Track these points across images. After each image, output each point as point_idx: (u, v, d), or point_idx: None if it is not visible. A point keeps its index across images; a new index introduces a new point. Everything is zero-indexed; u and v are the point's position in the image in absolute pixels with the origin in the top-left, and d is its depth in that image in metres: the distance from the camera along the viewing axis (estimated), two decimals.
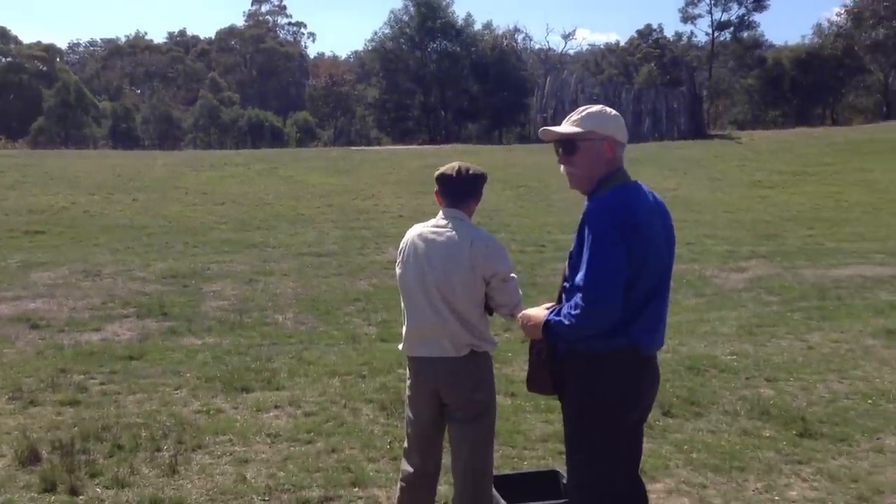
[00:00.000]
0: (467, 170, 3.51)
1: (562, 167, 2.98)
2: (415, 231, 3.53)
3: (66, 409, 5.72)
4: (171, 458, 4.76)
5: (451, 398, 3.44)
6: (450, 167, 3.53)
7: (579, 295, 2.70)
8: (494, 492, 3.56)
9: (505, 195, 19.22)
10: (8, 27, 75.17)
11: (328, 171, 23.69)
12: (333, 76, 64.67)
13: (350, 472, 4.60)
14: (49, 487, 4.39)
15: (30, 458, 4.76)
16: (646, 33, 66.40)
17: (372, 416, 5.60)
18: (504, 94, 55.58)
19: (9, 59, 71.06)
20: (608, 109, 3.02)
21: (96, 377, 6.53)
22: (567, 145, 2.95)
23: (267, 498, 4.30)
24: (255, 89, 75.96)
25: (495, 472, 3.70)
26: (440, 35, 58.14)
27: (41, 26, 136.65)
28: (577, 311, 2.70)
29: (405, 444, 3.64)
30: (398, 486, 3.66)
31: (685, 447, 4.98)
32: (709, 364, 6.86)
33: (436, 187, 3.55)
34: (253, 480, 4.51)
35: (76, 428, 5.26)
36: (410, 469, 3.58)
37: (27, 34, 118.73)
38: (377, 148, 36.01)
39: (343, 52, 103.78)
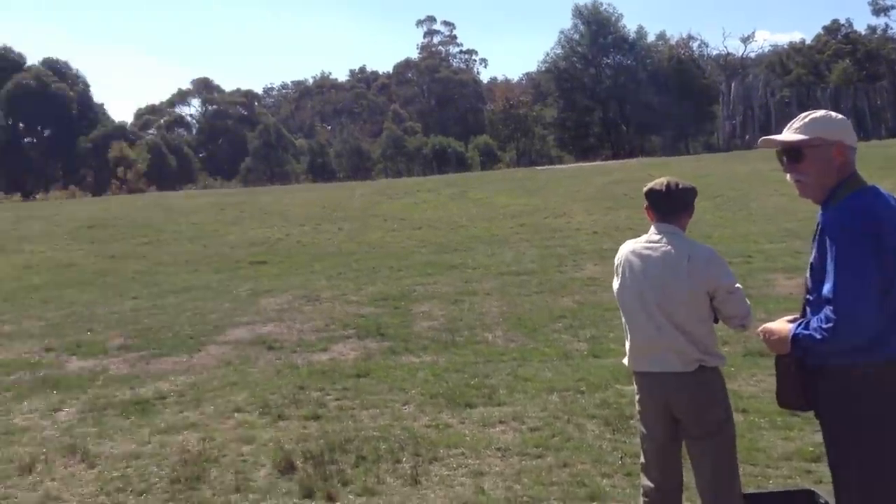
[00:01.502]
0: (677, 184, 3.51)
1: (788, 176, 2.92)
2: (628, 248, 3.55)
3: (311, 423, 6.19)
4: (411, 470, 5.04)
5: (683, 415, 3.41)
6: (659, 182, 3.54)
7: (829, 308, 2.62)
8: None
9: (702, 206, 18.55)
10: (210, 77, 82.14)
11: (516, 192, 24.00)
12: (509, 99, 65.46)
13: (585, 486, 4.67)
14: (308, 494, 4.79)
15: (286, 467, 5.21)
16: (834, 29, 62.18)
17: (597, 431, 5.65)
18: (686, 104, 54.00)
19: (215, 107, 77.71)
20: (833, 114, 2.93)
21: (331, 393, 7.01)
22: (792, 153, 2.87)
23: None
24: (434, 117, 78.33)
25: (744, 491, 3.63)
26: (613, 50, 57.55)
27: (239, 74, 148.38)
28: (829, 325, 2.62)
29: (642, 459, 3.62)
30: (640, 501, 3.67)
31: None
32: None
33: (645, 203, 3.56)
34: (491, 492, 4.69)
35: (322, 440, 5.67)
36: (651, 484, 3.56)
37: (227, 83, 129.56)
38: (561, 166, 36.06)
39: (515, 75, 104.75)
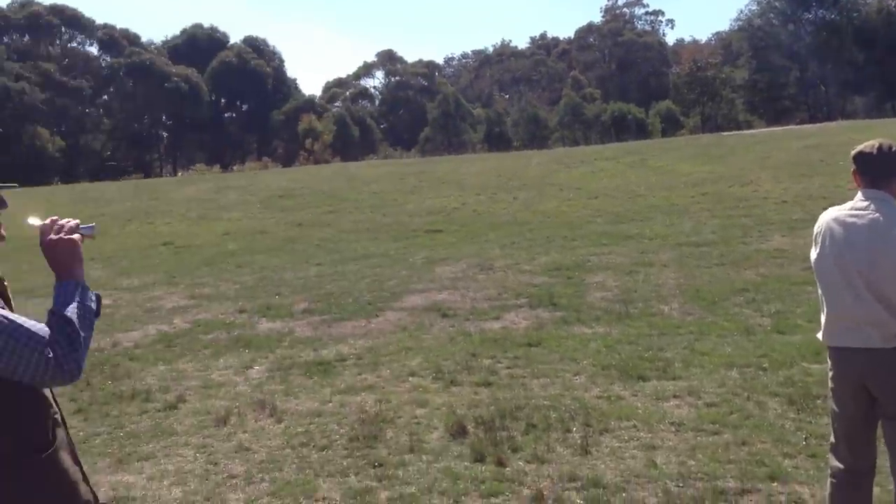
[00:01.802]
0: (890, 147, 3.23)
1: None
2: (830, 215, 3.34)
3: (482, 390, 6.30)
4: (581, 440, 5.02)
5: (881, 393, 3.19)
6: (869, 145, 3.28)
7: None
8: None
9: None
10: (394, 49, 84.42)
11: (699, 159, 23.03)
12: (696, 61, 62.56)
13: (765, 465, 4.47)
14: (478, 458, 4.88)
15: (458, 431, 5.33)
16: None
17: (780, 410, 5.37)
18: (894, 61, 49.42)
19: (397, 78, 79.88)
20: None
21: (502, 361, 7.09)
22: None
23: (681, 484, 4.34)
24: (614, 83, 76.41)
25: None
26: (815, 4, 53.47)
27: (421, 45, 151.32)
28: None
29: (832, 439, 3.45)
30: (828, 482, 3.48)
31: None
32: None
33: (852, 167, 3.31)
34: (664, 466, 4.59)
35: (493, 407, 5.75)
36: (840, 465, 3.38)
37: (410, 54, 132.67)
38: (751, 131, 34.18)
39: (704, 36, 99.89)
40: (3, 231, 2.10)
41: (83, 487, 2.04)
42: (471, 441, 5.12)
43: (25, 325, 1.84)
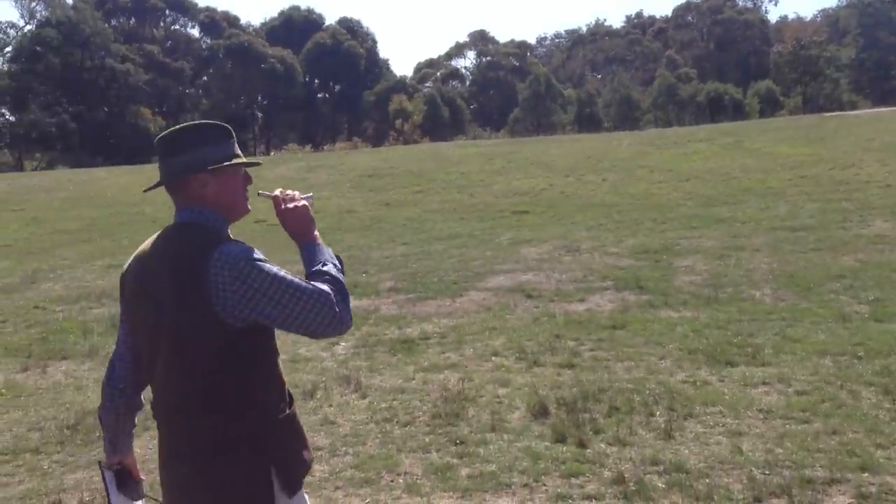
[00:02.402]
0: None
1: None
2: None
3: (565, 371, 6.29)
4: (665, 424, 4.96)
5: None
6: None
7: None
8: None
9: None
10: (487, 30, 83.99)
11: (799, 141, 22.19)
12: (800, 39, 60.04)
13: (856, 456, 4.33)
14: (560, 439, 4.89)
15: (540, 411, 5.35)
16: None
17: (874, 400, 5.19)
18: None
19: (488, 58, 79.53)
20: None
21: (586, 343, 7.06)
22: None
23: (767, 472, 4.26)
24: (712, 62, 74.11)
25: None
26: None
27: (515, 26, 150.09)
28: None
29: None
30: None
31: None
32: None
33: None
34: (750, 453, 4.50)
35: (575, 388, 5.74)
36: None
37: (503, 34, 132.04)
38: (855, 112, 32.69)
39: (809, 13, 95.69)
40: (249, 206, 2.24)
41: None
42: (552, 422, 5.13)
43: (312, 285, 2.02)
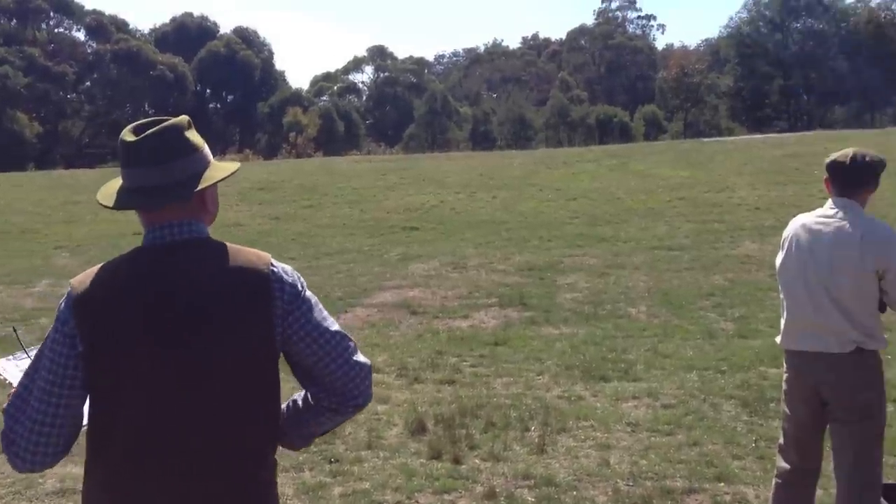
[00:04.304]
0: (863, 156, 3.31)
1: None
2: (799, 221, 3.43)
3: (445, 387, 6.36)
4: (538, 438, 5.09)
5: (832, 397, 3.29)
6: (843, 154, 3.36)
7: None
8: (883, 502, 3.31)
9: (882, 184, 17.20)
10: (385, 45, 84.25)
11: (679, 164, 23.16)
12: (684, 66, 62.91)
13: (714, 466, 4.56)
14: (435, 455, 4.94)
15: (417, 428, 5.39)
16: None
17: (734, 412, 5.47)
18: (877, 73, 49.91)
19: (386, 74, 79.73)
20: None
21: (468, 360, 7.15)
22: None
23: (631, 483, 4.42)
24: (602, 85, 76.67)
25: (885, 482, 3.44)
26: (805, 13, 53.95)
27: (413, 42, 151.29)
28: None
29: (780, 440, 3.55)
30: (773, 482, 3.57)
31: None
32: None
33: (825, 175, 3.39)
34: (616, 466, 4.67)
35: (454, 405, 5.82)
36: (787, 466, 3.47)
37: (401, 50, 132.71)
38: (731, 138, 34.44)
39: (693, 42, 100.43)
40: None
41: None
42: (429, 438, 5.18)
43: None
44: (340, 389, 1.83)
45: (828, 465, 3.53)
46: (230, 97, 73.36)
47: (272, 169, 26.48)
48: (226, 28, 75.56)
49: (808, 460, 3.45)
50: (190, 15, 76.12)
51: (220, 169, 1.89)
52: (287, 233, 15.81)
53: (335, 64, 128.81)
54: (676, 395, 5.88)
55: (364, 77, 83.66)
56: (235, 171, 1.93)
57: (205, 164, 1.85)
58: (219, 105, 74.69)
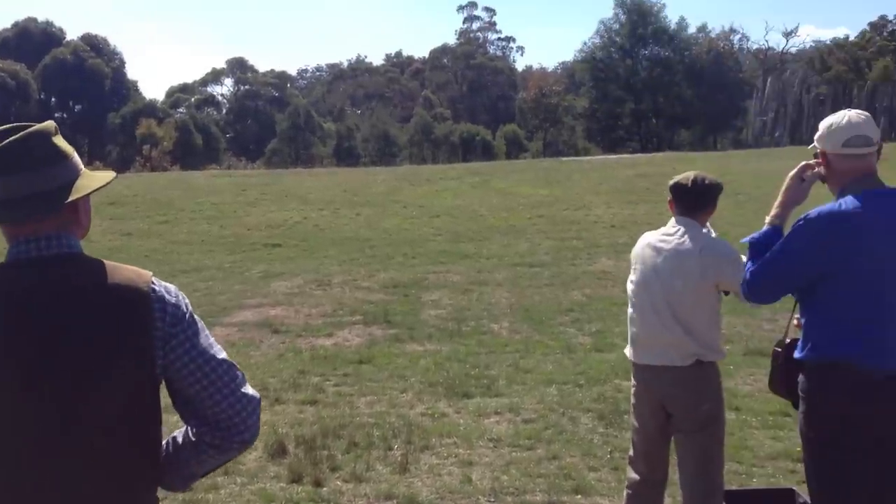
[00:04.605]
0: (703, 180, 3.48)
1: None
2: (644, 239, 3.57)
3: (307, 408, 6.23)
4: (401, 457, 5.05)
5: (675, 408, 3.43)
6: (685, 177, 3.52)
7: (750, 269, 2.88)
8: None
9: (722, 203, 18.01)
10: (245, 58, 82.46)
11: (539, 183, 23.87)
12: (542, 88, 65.10)
13: (572, 479, 4.66)
14: (296, 479, 4.81)
15: (278, 451, 5.23)
16: (880, 25, 60.89)
17: (591, 425, 5.63)
18: (719, 99, 53.43)
19: (247, 87, 78.03)
20: (831, 117, 2.92)
21: (331, 379, 7.04)
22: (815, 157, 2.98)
23: (492, 499, 4.46)
24: (465, 104, 78.10)
25: (726, 488, 3.61)
26: (652, 41, 57.06)
27: (274, 56, 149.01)
28: (745, 277, 2.90)
29: (630, 452, 3.66)
30: (624, 493, 3.69)
31: None
32: None
33: (669, 196, 3.55)
34: (478, 482, 4.69)
35: (316, 425, 5.70)
36: (636, 477, 3.59)
37: (262, 63, 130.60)
38: (588, 158, 35.83)
39: (551, 64, 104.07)
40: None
41: None
42: (290, 461, 5.04)
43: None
44: (225, 424, 1.68)
45: (675, 474, 3.67)
46: (78, 107, 69.68)
47: (124, 182, 25.29)
48: (73, 34, 71.82)
49: (656, 471, 3.58)
50: (34, 20, 71.88)
51: (93, 178, 1.73)
52: (140, 249, 15.14)
53: (192, 75, 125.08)
54: (537, 410, 6.00)
55: (223, 90, 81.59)
56: (111, 181, 1.78)
57: (76, 173, 1.69)
58: (65, 115, 70.65)
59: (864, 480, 2.73)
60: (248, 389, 1.73)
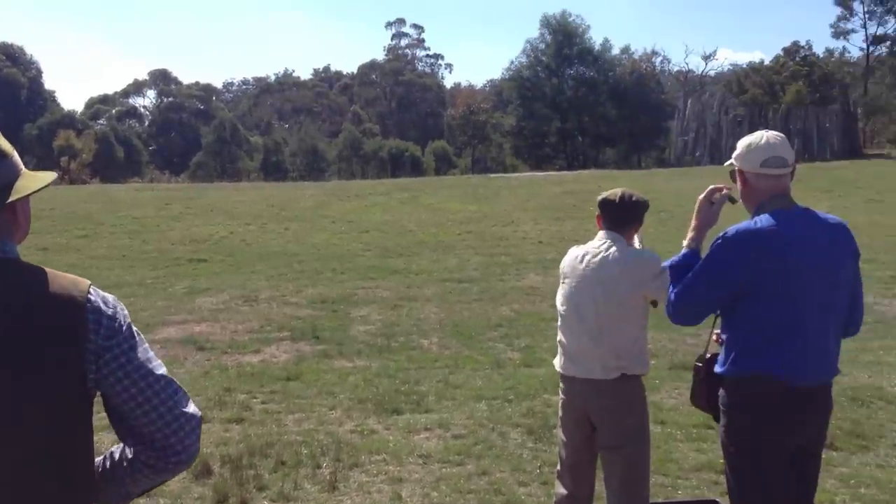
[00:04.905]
0: (630, 196, 3.55)
1: None
2: (573, 253, 3.61)
3: (233, 427, 6.09)
4: (330, 475, 4.98)
5: (600, 421, 3.46)
6: (613, 193, 3.58)
7: (674, 291, 2.95)
8: None
9: (646, 220, 18.81)
10: (169, 69, 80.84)
11: (468, 199, 24.04)
12: (470, 105, 65.65)
13: (501, 494, 4.67)
14: (221, 499, 4.68)
15: (202, 471, 5.09)
16: (793, 51, 63.44)
17: (520, 440, 5.66)
18: (642, 119, 54.77)
19: (171, 99, 76.49)
20: (747, 137, 3.04)
21: (258, 396, 6.91)
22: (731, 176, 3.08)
23: None
24: (394, 120, 78.21)
25: (652, 501, 3.67)
26: (577, 61, 58.15)
27: (198, 67, 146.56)
28: (670, 299, 2.96)
29: (558, 467, 3.68)
30: None
31: (852, 482, 4.75)
32: (874, 395, 6.50)
33: (597, 212, 3.60)
34: (408, 499, 4.66)
35: (243, 444, 5.57)
36: (564, 491, 3.61)
37: (186, 75, 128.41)
38: (516, 175, 36.29)
39: (479, 82, 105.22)
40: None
41: None
42: (215, 482, 4.91)
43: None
44: (161, 443, 1.62)
45: (602, 489, 3.70)
46: None
47: (41, 195, 24.44)
48: None
49: (583, 486, 3.60)
50: None
51: (34, 179, 1.65)
52: (57, 265, 14.43)
53: (114, 86, 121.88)
54: (466, 426, 6.00)
55: (146, 102, 79.82)
56: (51, 182, 1.70)
57: (16, 173, 1.61)
58: None
59: (783, 491, 2.83)
60: (189, 408, 1.67)
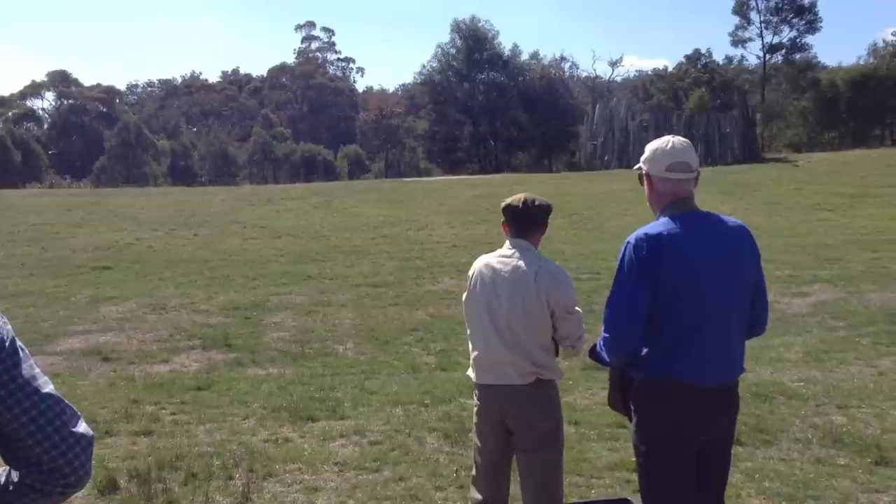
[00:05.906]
0: (533, 201, 3.57)
1: None
2: (482, 261, 3.61)
3: (141, 439, 5.89)
4: (243, 487, 4.86)
5: (516, 426, 3.48)
6: (516, 198, 3.60)
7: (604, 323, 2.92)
8: None
9: (557, 223, 19.16)
10: (69, 70, 77.80)
11: (381, 203, 23.97)
12: (383, 109, 65.55)
13: (418, 500, 4.65)
14: None
15: (108, 487, 4.90)
16: (695, 58, 65.72)
17: (436, 444, 5.65)
18: (552, 123, 55.74)
19: (71, 101, 73.65)
20: (655, 142, 3.11)
21: (167, 407, 6.70)
22: (640, 179, 3.15)
23: None
24: (306, 124, 77.39)
25: (565, 501, 3.71)
26: (487, 66, 58.76)
27: (100, 69, 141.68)
28: (605, 337, 2.95)
29: (473, 472, 3.68)
30: None
31: (756, 476, 4.92)
32: (776, 391, 6.76)
33: (502, 218, 3.62)
34: None
35: (151, 457, 5.38)
36: (479, 497, 3.61)
37: (87, 77, 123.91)
38: (429, 179, 36.38)
39: (391, 86, 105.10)
40: None
41: None
42: (122, 497, 4.74)
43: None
44: (48, 465, 1.52)
45: (517, 492, 3.72)
46: None
47: None
48: None
49: (499, 489, 3.62)
50: None
51: None
52: None
53: (9, 88, 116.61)
54: (383, 431, 5.95)
55: (45, 104, 76.66)
56: None
57: None
58: None
59: (692, 487, 2.91)
60: (80, 427, 1.57)
